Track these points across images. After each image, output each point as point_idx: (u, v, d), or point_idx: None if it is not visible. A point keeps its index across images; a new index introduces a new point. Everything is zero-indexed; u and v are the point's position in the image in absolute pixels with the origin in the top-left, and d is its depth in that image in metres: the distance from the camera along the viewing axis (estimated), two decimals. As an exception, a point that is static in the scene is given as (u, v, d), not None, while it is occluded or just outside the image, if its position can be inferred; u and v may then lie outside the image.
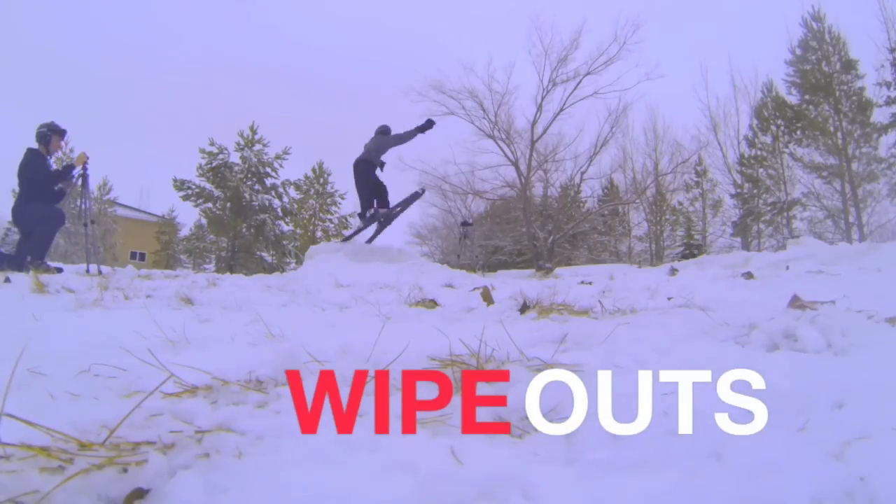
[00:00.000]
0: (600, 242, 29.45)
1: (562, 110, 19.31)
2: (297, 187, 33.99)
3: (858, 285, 3.28)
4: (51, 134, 6.14)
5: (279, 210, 28.71)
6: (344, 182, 38.24)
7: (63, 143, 6.43)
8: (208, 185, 25.84)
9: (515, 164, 19.90)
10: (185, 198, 25.35)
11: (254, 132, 27.55)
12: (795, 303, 1.72)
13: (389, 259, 10.30)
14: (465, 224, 20.01)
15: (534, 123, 19.31)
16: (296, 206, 32.23)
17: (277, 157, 28.36)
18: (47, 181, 6.11)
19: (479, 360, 1.17)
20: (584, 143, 20.34)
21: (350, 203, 41.37)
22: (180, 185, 25.12)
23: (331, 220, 38.05)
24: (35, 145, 6.18)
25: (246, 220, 26.85)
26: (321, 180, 38.93)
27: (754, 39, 37.22)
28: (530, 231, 20.21)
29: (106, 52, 63.18)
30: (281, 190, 28.85)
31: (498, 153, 20.03)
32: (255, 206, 27.52)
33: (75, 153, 6.72)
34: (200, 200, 25.65)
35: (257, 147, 27.78)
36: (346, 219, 35.82)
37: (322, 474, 0.72)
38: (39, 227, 5.89)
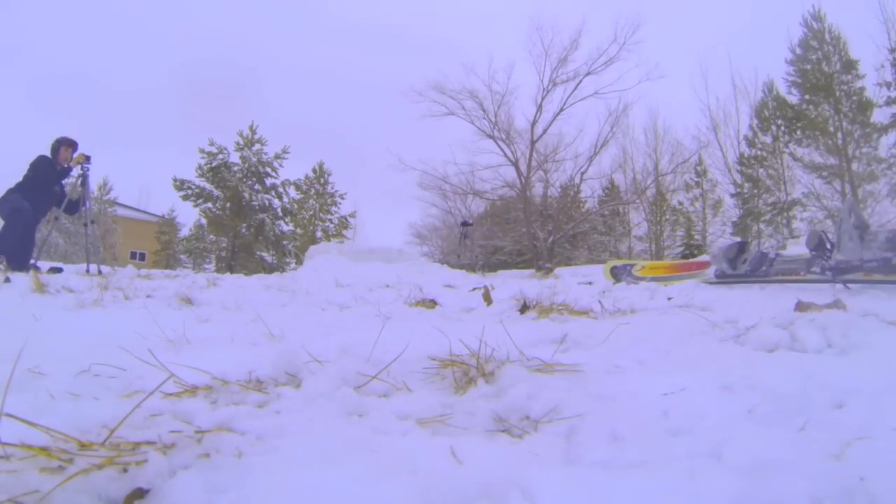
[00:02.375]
0: (600, 242, 29.44)
1: (562, 110, 19.33)
2: (298, 187, 33.99)
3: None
4: (59, 145, 6.45)
5: (279, 210, 28.69)
6: (343, 183, 38.46)
7: (71, 154, 6.63)
8: (208, 185, 25.83)
9: (515, 165, 19.88)
10: (185, 198, 25.33)
11: (253, 132, 27.56)
12: (798, 306, 1.72)
13: (389, 259, 10.30)
14: (464, 224, 19.99)
15: (534, 123, 19.30)
16: (296, 206, 32.29)
17: (277, 156, 28.35)
18: (40, 179, 6.27)
19: (479, 361, 1.17)
20: (584, 143, 20.33)
21: (349, 204, 41.56)
22: (180, 184, 25.10)
23: (331, 221, 38.01)
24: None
25: (245, 220, 26.83)
26: (322, 180, 38.89)
27: (754, 39, 37.24)
28: (530, 231, 20.21)
29: (104, 51, 63.16)
30: (280, 190, 28.83)
31: (498, 153, 20.03)
32: (254, 205, 27.51)
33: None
34: (200, 200, 25.64)
35: (256, 147, 27.78)
36: (345, 219, 35.89)
37: (322, 474, 0.72)
38: (6, 220, 6.02)
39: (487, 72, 19.67)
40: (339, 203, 36.68)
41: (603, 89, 19.03)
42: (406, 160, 19.53)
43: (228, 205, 26.27)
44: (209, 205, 26.24)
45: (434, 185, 22.98)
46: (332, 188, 37.37)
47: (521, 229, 25.30)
